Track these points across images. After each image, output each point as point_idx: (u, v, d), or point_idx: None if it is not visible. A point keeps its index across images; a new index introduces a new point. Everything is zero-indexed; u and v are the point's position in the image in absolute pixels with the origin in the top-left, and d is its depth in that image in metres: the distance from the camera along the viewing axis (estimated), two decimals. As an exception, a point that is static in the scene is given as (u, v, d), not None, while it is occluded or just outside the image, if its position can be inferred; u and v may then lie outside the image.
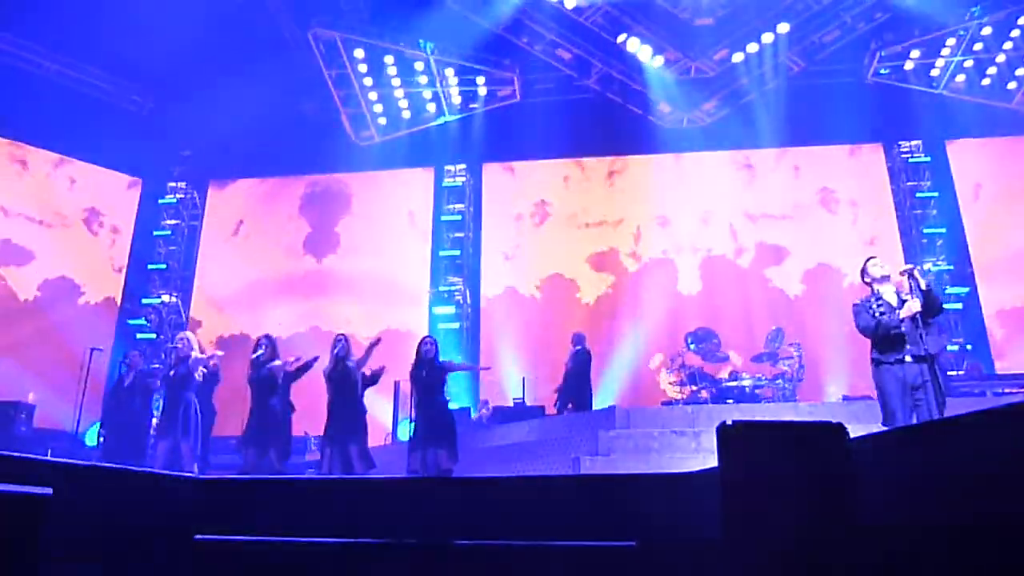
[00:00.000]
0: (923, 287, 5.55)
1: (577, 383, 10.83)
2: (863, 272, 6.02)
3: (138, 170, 16.72)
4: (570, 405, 10.70)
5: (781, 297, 14.59)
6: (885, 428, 5.25)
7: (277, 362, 7.76)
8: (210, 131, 15.13)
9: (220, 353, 8.72)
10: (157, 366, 9.66)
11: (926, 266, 13.72)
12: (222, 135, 14.93)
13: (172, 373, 7.99)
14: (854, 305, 5.91)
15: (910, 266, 5.86)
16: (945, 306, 5.89)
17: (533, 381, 12.98)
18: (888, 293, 5.78)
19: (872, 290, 5.91)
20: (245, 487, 3.92)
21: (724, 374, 11.63)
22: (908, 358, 5.44)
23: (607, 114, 15.34)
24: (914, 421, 5.33)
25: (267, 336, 7.96)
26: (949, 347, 13.16)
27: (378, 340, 7.68)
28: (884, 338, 5.59)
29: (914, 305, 5.48)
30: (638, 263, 15.36)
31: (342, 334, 7.85)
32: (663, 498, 3.26)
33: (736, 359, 12.55)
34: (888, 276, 5.86)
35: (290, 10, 14.05)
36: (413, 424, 7.41)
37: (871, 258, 6.10)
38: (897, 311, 5.56)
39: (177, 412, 7.66)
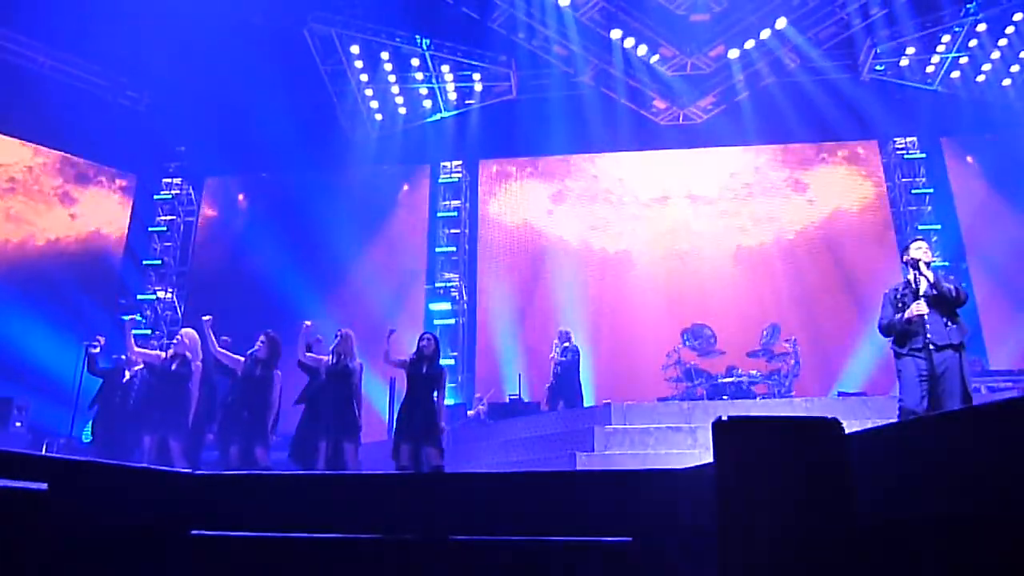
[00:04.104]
0: (931, 280, 5.40)
1: (568, 380, 10.84)
2: (905, 252, 5.80)
3: (133, 166, 16.67)
4: (561, 403, 10.70)
5: (775, 292, 14.59)
6: (896, 419, 5.15)
7: (278, 372, 7.72)
8: (205, 127, 15.08)
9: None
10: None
11: (922, 261, 13.71)
12: (217, 131, 14.89)
13: (171, 368, 7.95)
14: (884, 294, 5.73)
15: (916, 257, 5.62)
16: (960, 296, 5.59)
17: (529, 377, 13.00)
18: (921, 281, 5.56)
19: (904, 276, 5.74)
20: (241, 482, 3.91)
21: (720, 370, 11.64)
22: (930, 346, 5.26)
23: (603, 111, 15.31)
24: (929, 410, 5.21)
25: (267, 333, 7.88)
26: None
27: (391, 331, 7.61)
28: (902, 330, 5.43)
29: (920, 307, 5.32)
30: (634, 258, 15.37)
31: (343, 330, 7.79)
32: (659, 494, 3.27)
33: (731, 355, 12.55)
34: (927, 263, 5.58)
35: (285, 5, 14.00)
36: (403, 418, 7.32)
37: (917, 239, 5.89)
38: (919, 299, 5.40)
39: (172, 408, 7.64)
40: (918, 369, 5.30)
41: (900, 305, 5.51)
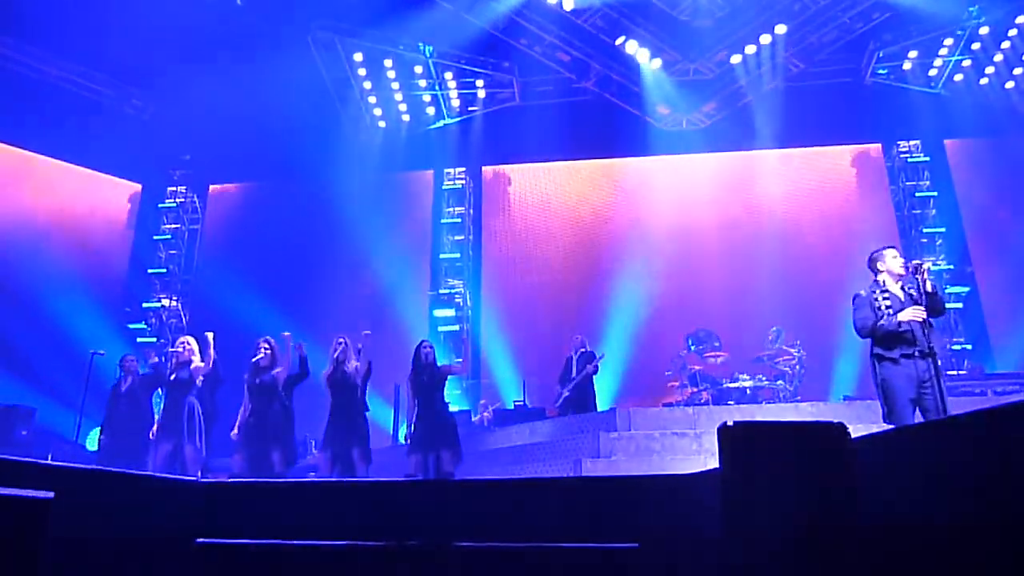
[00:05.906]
0: (928, 289, 5.34)
1: (584, 385, 10.82)
2: (873, 260, 5.75)
3: (138, 174, 16.73)
4: (570, 410, 10.66)
5: (780, 297, 14.54)
6: (888, 427, 5.12)
7: (279, 369, 7.70)
8: (210, 135, 15.12)
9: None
10: (156, 367, 9.73)
11: (925, 265, 13.71)
12: (221, 139, 14.94)
13: (173, 377, 7.99)
14: (856, 296, 5.67)
15: (918, 261, 5.60)
16: (947, 306, 5.66)
17: (533, 383, 12.98)
18: (894, 287, 5.56)
19: (877, 281, 5.67)
20: (247, 490, 3.91)
21: (725, 375, 11.61)
22: (916, 353, 5.22)
23: (606, 116, 15.33)
24: (918, 419, 5.17)
25: (268, 339, 7.91)
26: (953, 347, 13.23)
27: (366, 334, 7.73)
28: (889, 333, 5.37)
29: (917, 313, 5.26)
30: (637, 262, 15.35)
31: (342, 337, 7.83)
32: (665, 499, 3.26)
33: (736, 360, 12.52)
34: (901, 269, 5.61)
35: (289, 13, 14.05)
36: (413, 428, 7.41)
37: (889, 247, 5.83)
38: (902, 309, 5.36)
39: (178, 416, 7.65)
40: (917, 370, 5.25)
41: (883, 307, 5.46)
